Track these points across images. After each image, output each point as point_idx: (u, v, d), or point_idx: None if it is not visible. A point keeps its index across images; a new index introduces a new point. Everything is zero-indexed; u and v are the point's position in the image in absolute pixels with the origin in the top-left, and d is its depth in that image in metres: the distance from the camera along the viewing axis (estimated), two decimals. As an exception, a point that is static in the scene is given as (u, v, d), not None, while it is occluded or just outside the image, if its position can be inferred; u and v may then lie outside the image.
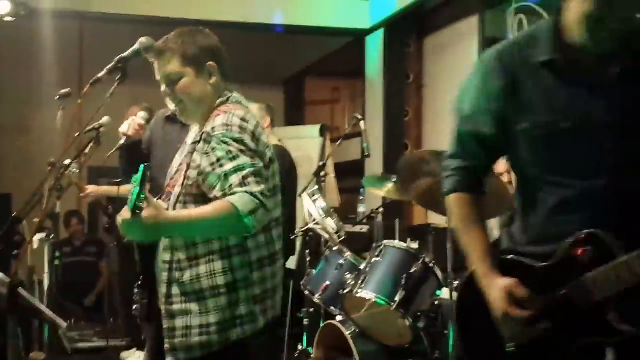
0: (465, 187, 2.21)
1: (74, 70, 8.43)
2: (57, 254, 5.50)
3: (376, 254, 4.02)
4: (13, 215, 2.75)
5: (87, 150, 3.53)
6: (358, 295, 3.87)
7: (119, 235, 4.86)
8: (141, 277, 2.60)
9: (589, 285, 1.92)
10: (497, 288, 2.04)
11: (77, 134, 3.86)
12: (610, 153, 1.94)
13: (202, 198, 2.43)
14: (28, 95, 8.15)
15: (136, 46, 2.87)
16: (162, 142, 4.02)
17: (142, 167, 2.19)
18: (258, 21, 7.00)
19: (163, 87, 2.55)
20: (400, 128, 6.97)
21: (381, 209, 5.42)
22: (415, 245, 4.50)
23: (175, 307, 2.45)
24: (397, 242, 4.13)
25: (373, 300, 3.82)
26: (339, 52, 8.27)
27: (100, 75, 2.87)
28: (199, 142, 2.47)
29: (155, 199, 2.30)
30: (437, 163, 4.05)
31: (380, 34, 7.05)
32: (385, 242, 4.12)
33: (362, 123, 5.10)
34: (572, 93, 1.97)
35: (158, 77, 2.55)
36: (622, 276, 1.85)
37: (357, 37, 7.48)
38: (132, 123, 3.60)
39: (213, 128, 2.42)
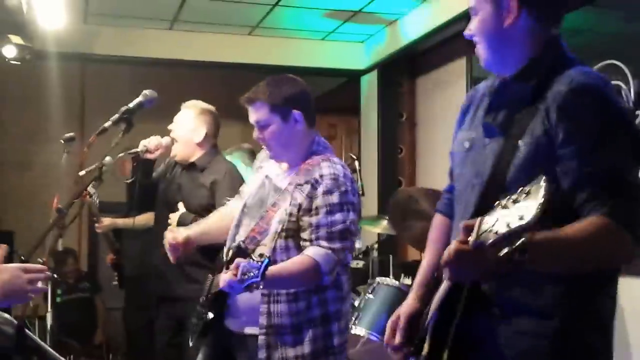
0: (447, 210, 2.30)
1: (76, 108, 8.60)
2: (59, 291, 5.60)
3: (369, 291, 4.15)
4: (21, 257, 2.86)
5: (89, 188, 3.66)
6: (352, 332, 3.99)
7: (123, 272, 4.98)
8: (206, 296, 2.85)
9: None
10: (399, 310, 2.23)
11: (80, 173, 4.04)
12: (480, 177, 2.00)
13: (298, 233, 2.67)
14: (31, 132, 8.30)
15: (140, 98, 3.02)
16: (166, 180, 4.16)
17: (267, 260, 2.36)
18: (256, 62, 7.19)
19: (255, 133, 2.80)
20: (394, 164, 7.10)
21: (376, 245, 5.58)
22: (408, 281, 4.65)
23: (272, 338, 2.63)
24: (389, 280, 4.25)
25: (366, 337, 3.95)
26: (335, 90, 8.43)
27: (106, 125, 3.00)
28: (302, 184, 2.67)
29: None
30: (427, 201, 4.20)
31: (374, 75, 7.24)
32: (377, 279, 4.25)
33: (356, 163, 5.30)
34: (481, 113, 2.10)
35: (251, 121, 2.80)
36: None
37: (352, 77, 7.67)
38: (156, 141, 3.82)
39: (322, 176, 2.64)
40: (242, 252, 2.63)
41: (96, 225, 4.87)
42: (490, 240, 1.57)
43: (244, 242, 2.70)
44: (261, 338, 2.65)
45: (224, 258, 2.75)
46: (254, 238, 2.72)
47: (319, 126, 9.85)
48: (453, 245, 1.71)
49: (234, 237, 2.84)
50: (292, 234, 2.66)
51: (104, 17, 6.66)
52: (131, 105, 2.95)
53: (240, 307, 2.75)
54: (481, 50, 2.04)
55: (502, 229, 1.54)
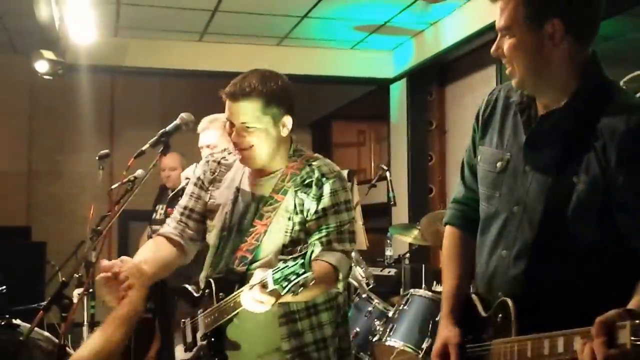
0: (458, 222, 2.26)
1: (106, 119, 8.73)
2: (92, 303, 5.65)
3: (403, 302, 4.16)
4: (62, 280, 2.89)
5: (123, 200, 3.70)
6: (387, 344, 4.00)
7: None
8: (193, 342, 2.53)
9: (489, 354, 1.92)
10: (439, 339, 2.09)
11: (112, 187, 4.08)
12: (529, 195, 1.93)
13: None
14: (62, 143, 8.46)
15: (177, 121, 3.02)
16: None
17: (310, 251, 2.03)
18: (285, 72, 7.20)
19: (235, 135, 2.50)
20: (424, 172, 7.13)
21: (408, 254, 5.57)
22: (440, 289, 4.62)
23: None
24: (422, 291, 4.26)
25: (401, 348, 3.95)
26: (364, 97, 8.46)
27: (144, 148, 2.98)
28: (301, 187, 2.47)
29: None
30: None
31: (403, 83, 7.25)
32: (411, 291, 4.25)
33: (387, 173, 5.30)
34: (514, 133, 2.02)
35: (237, 120, 2.48)
36: (508, 355, 1.82)
37: (381, 86, 7.69)
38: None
39: (324, 174, 2.47)
40: (229, 279, 2.41)
41: None
42: None
43: (232, 265, 2.46)
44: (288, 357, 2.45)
45: (203, 291, 2.49)
46: (243, 258, 2.46)
47: (348, 133, 9.91)
48: (598, 349, 1.50)
49: (216, 264, 2.54)
50: (302, 242, 2.45)
51: (134, 30, 6.73)
52: (168, 128, 2.95)
53: (251, 338, 2.46)
54: (516, 72, 1.93)
55: None
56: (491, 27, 5.36)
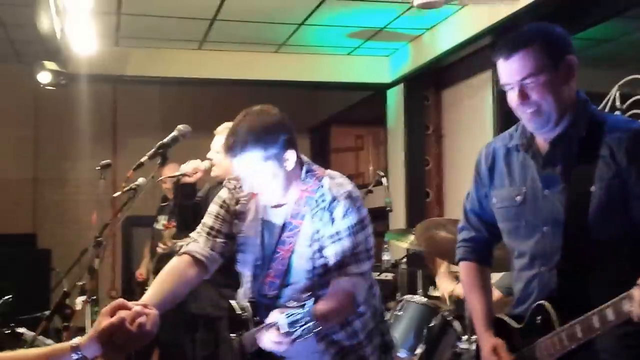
0: (471, 256, 2.54)
1: (108, 127, 8.86)
2: (96, 309, 5.72)
3: (398, 308, 4.23)
4: (64, 290, 2.98)
5: (125, 208, 3.77)
6: (382, 349, 4.09)
7: None
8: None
9: (535, 351, 2.18)
10: (486, 347, 2.34)
11: (114, 195, 4.17)
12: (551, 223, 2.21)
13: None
14: (65, 151, 8.56)
15: (175, 133, 3.11)
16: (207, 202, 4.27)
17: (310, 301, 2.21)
18: (283, 79, 7.33)
19: (247, 180, 2.56)
20: (421, 176, 7.18)
21: (404, 259, 5.64)
22: (437, 293, 4.71)
23: None
24: (417, 297, 4.32)
25: (396, 353, 4.03)
26: (361, 102, 8.54)
27: (142, 160, 3.08)
28: (315, 211, 2.51)
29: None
30: (454, 227, 4.26)
31: (400, 88, 7.33)
32: (406, 297, 4.32)
33: (384, 180, 5.37)
34: (523, 169, 2.31)
35: (242, 172, 2.55)
36: (557, 345, 2.09)
37: (378, 91, 7.78)
38: (193, 164, 3.91)
39: (335, 197, 2.49)
40: (262, 302, 2.53)
41: (161, 246, 4.99)
42: None
43: (264, 292, 2.58)
44: None
45: (243, 313, 2.58)
46: (272, 283, 2.57)
47: (346, 138, 9.92)
48: None
49: (254, 291, 2.65)
50: (326, 268, 2.53)
51: (134, 39, 6.83)
52: (166, 140, 3.04)
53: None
54: (543, 112, 2.17)
55: None
56: (486, 32, 5.50)
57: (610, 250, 2.14)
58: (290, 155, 2.52)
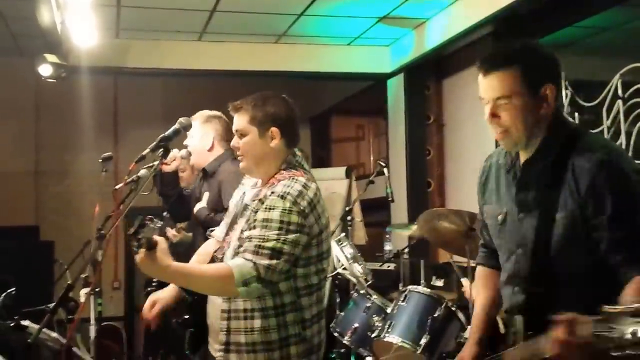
0: (483, 261, 2.66)
1: (109, 119, 8.84)
2: (99, 300, 5.73)
3: (401, 299, 4.22)
4: (68, 283, 2.98)
5: (127, 199, 3.78)
6: (385, 340, 4.09)
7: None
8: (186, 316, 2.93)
9: None
10: (460, 354, 2.51)
11: (116, 187, 4.17)
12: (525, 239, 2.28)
13: None
14: (66, 143, 8.54)
15: (176, 125, 3.11)
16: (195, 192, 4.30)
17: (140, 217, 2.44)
18: (283, 69, 7.32)
19: (234, 140, 2.84)
20: (423, 166, 7.17)
21: (407, 249, 5.66)
22: (440, 283, 4.71)
23: (232, 355, 2.63)
24: (420, 288, 4.33)
25: (399, 344, 4.04)
26: (362, 92, 8.51)
27: (144, 153, 3.08)
28: (258, 201, 2.66)
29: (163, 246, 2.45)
30: (456, 217, 4.27)
31: (400, 78, 7.31)
32: (409, 287, 4.32)
33: (385, 170, 5.38)
34: (507, 189, 2.37)
35: (233, 128, 2.85)
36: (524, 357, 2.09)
37: (378, 81, 7.76)
38: (170, 153, 3.95)
39: (272, 192, 2.60)
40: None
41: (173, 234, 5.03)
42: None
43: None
44: (220, 355, 2.66)
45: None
46: (222, 248, 2.84)
47: (347, 128, 9.92)
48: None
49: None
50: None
51: (134, 31, 6.81)
52: (167, 133, 3.05)
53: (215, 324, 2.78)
54: (512, 134, 2.20)
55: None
56: (487, 21, 5.48)
57: (573, 276, 2.17)
58: (275, 133, 2.74)
